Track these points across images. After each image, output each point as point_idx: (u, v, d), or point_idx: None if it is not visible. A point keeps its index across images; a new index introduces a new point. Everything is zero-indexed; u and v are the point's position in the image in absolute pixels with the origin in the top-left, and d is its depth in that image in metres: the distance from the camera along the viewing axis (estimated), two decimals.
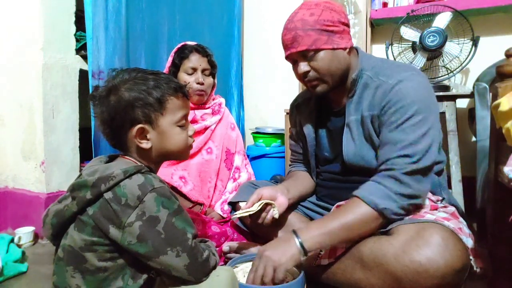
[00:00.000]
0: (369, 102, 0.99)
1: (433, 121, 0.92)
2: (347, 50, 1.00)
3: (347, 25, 1.00)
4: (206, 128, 1.50)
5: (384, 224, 0.90)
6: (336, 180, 1.13)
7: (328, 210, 1.12)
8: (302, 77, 1.02)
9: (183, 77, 1.43)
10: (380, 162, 0.94)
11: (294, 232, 0.89)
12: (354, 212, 0.88)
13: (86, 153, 1.63)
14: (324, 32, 0.95)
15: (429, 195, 0.98)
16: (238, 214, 1.02)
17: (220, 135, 1.55)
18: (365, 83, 1.01)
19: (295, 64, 1.03)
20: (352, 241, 0.90)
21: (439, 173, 1.05)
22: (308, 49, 0.96)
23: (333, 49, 0.97)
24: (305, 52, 0.97)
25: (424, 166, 0.89)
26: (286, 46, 1.01)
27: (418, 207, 0.93)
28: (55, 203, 0.76)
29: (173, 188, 1.41)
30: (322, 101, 1.16)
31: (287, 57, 1.04)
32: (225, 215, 1.42)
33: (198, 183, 1.46)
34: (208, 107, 1.53)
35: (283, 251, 0.86)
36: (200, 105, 1.50)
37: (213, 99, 1.57)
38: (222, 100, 1.62)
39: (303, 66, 0.99)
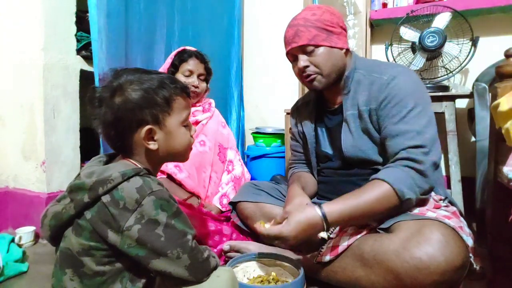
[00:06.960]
0: (365, 97, 1.04)
1: (431, 112, 0.98)
2: (344, 50, 1.07)
3: (345, 29, 1.08)
4: (197, 123, 1.56)
5: (397, 207, 0.91)
6: (337, 175, 1.16)
7: None
8: (301, 71, 1.07)
9: (180, 78, 1.47)
10: (394, 151, 0.96)
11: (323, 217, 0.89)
12: (379, 196, 0.89)
13: (86, 153, 1.63)
14: (324, 31, 1.03)
15: (432, 193, 0.99)
16: None
17: (212, 129, 1.61)
18: (358, 80, 1.07)
19: (294, 61, 1.09)
20: (368, 220, 0.94)
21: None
22: (308, 43, 1.02)
23: (331, 47, 1.04)
24: (305, 47, 1.03)
25: (437, 158, 0.93)
26: (287, 42, 1.07)
27: (422, 201, 0.95)
28: (53, 203, 0.75)
29: (168, 176, 1.44)
30: (320, 102, 1.22)
31: (288, 54, 1.10)
32: (224, 209, 1.45)
33: (193, 172, 1.49)
34: (199, 105, 1.61)
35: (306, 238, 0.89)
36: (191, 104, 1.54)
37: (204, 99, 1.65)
38: (212, 100, 1.70)
39: (303, 61, 1.05)
